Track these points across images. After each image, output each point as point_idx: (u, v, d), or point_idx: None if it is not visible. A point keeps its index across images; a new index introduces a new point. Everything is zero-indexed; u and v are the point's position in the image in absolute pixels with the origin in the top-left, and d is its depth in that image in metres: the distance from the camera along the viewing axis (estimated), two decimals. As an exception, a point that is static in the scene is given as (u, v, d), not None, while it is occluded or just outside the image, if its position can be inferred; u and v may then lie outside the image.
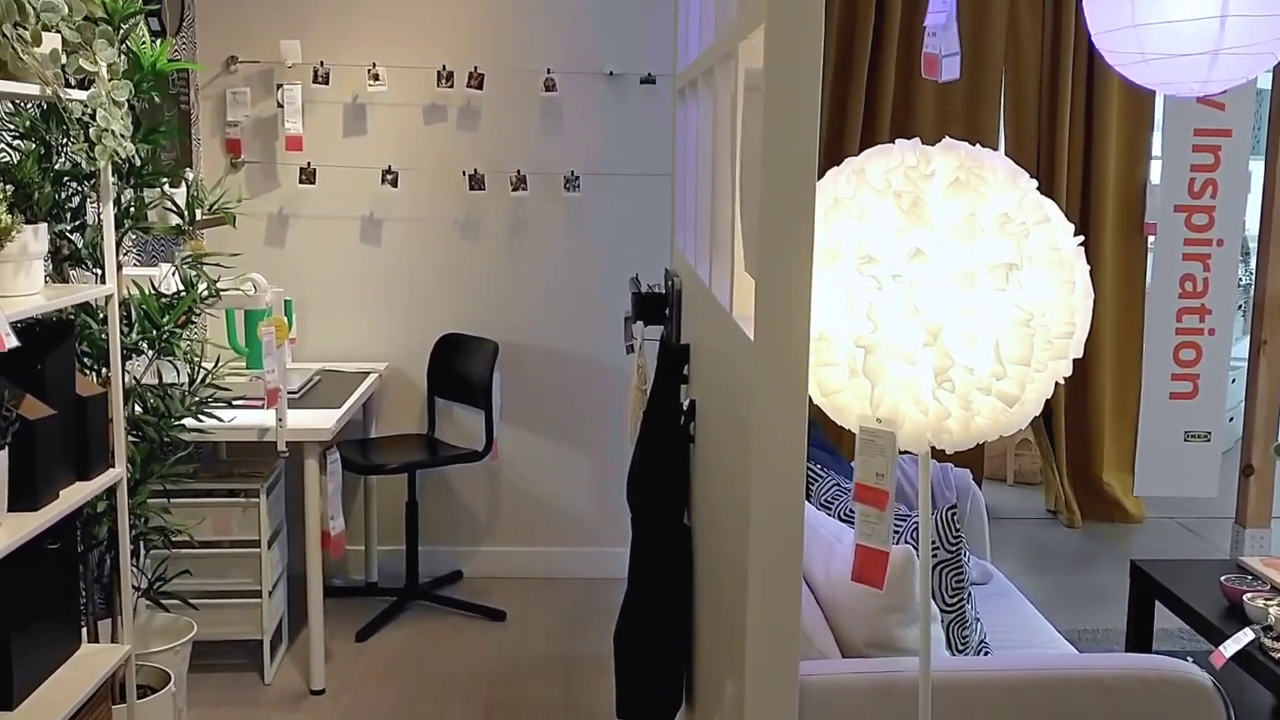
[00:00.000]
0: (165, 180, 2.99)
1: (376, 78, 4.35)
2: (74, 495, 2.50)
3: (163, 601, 3.22)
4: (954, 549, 2.57)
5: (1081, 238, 1.84)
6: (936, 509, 2.75)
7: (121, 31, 2.68)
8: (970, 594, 2.64)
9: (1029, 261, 1.72)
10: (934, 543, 2.59)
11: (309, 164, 4.40)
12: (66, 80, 2.49)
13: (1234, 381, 5.63)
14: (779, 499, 1.84)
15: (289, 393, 3.73)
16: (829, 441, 3.37)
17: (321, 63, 4.36)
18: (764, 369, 1.78)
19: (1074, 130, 5.27)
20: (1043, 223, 1.75)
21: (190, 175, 3.53)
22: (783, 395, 1.78)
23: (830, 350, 1.81)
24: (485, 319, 4.56)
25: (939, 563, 2.59)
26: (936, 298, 1.71)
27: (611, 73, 4.45)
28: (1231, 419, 6.16)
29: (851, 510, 2.87)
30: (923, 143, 1.85)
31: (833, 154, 4.94)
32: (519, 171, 4.45)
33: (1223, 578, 3.17)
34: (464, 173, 4.47)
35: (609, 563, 4.61)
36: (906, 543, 2.57)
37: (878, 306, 1.73)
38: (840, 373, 1.81)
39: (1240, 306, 6.17)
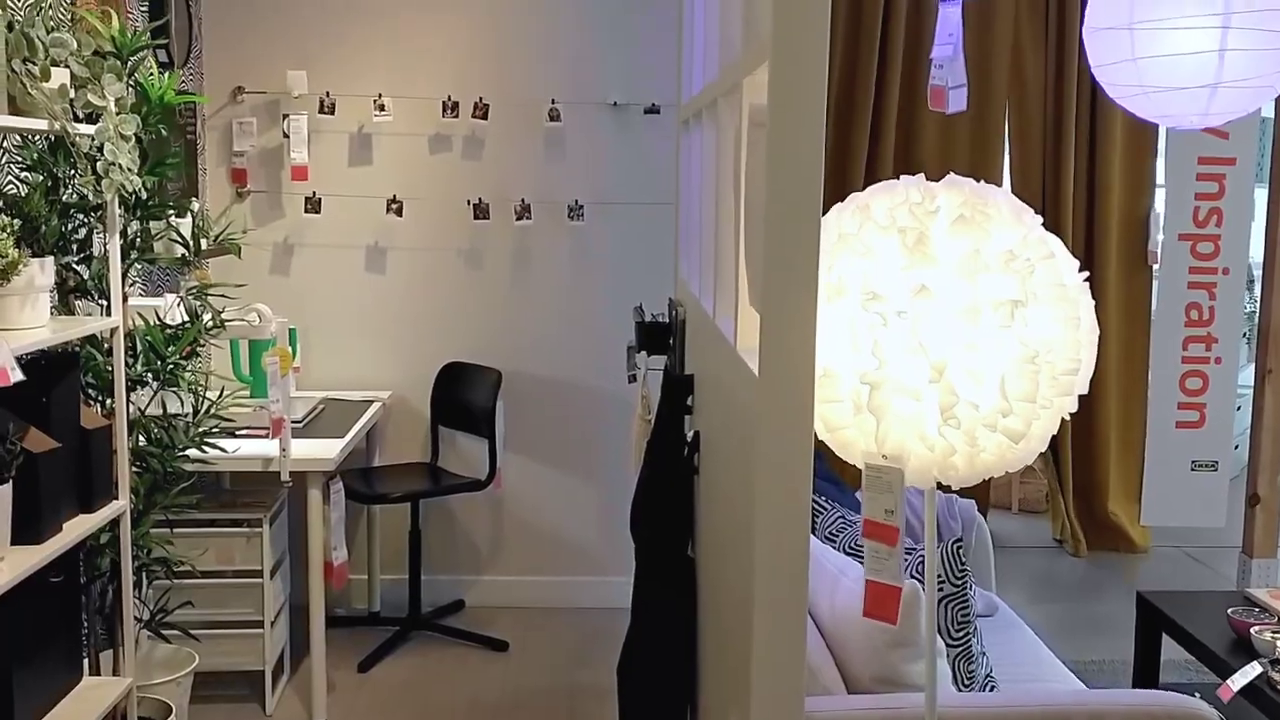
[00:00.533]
0: (171, 211, 3.00)
1: (382, 108, 4.37)
2: (77, 528, 2.50)
3: (164, 632, 3.22)
4: (959, 583, 2.56)
5: (1086, 273, 1.84)
6: (942, 542, 2.74)
7: (130, 65, 2.69)
8: (976, 627, 2.62)
9: (1034, 298, 1.72)
10: (939, 576, 2.58)
11: (314, 193, 4.42)
12: (74, 114, 2.50)
13: (1239, 408, 5.61)
14: (784, 535, 1.83)
15: (293, 422, 3.73)
16: (832, 472, 3.37)
17: (327, 93, 4.38)
18: (769, 405, 1.78)
19: (1078, 159, 5.28)
20: (1047, 259, 1.75)
21: (196, 206, 3.55)
22: (788, 431, 1.78)
23: (835, 386, 1.81)
24: (489, 348, 4.56)
25: (944, 597, 2.57)
26: (941, 334, 1.71)
27: (616, 103, 4.47)
28: (1238, 446, 6.14)
29: (857, 544, 2.86)
30: (927, 178, 1.86)
31: (837, 187, 4.94)
32: (523, 200, 4.47)
33: (1230, 610, 3.15)
34: (469, 202, 4.48)
35: (612, 592, 4.60)
36: (912, 577, 2.56)
37: (882, 343, 1.73)
38: (845, 409, 1.81)
39: (1246, 334, 6.16)
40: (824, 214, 1.78)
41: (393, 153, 4.47)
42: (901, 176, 1.87)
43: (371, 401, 4.33)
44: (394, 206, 4.44)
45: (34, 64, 2.31)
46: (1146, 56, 2.49)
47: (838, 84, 5.03)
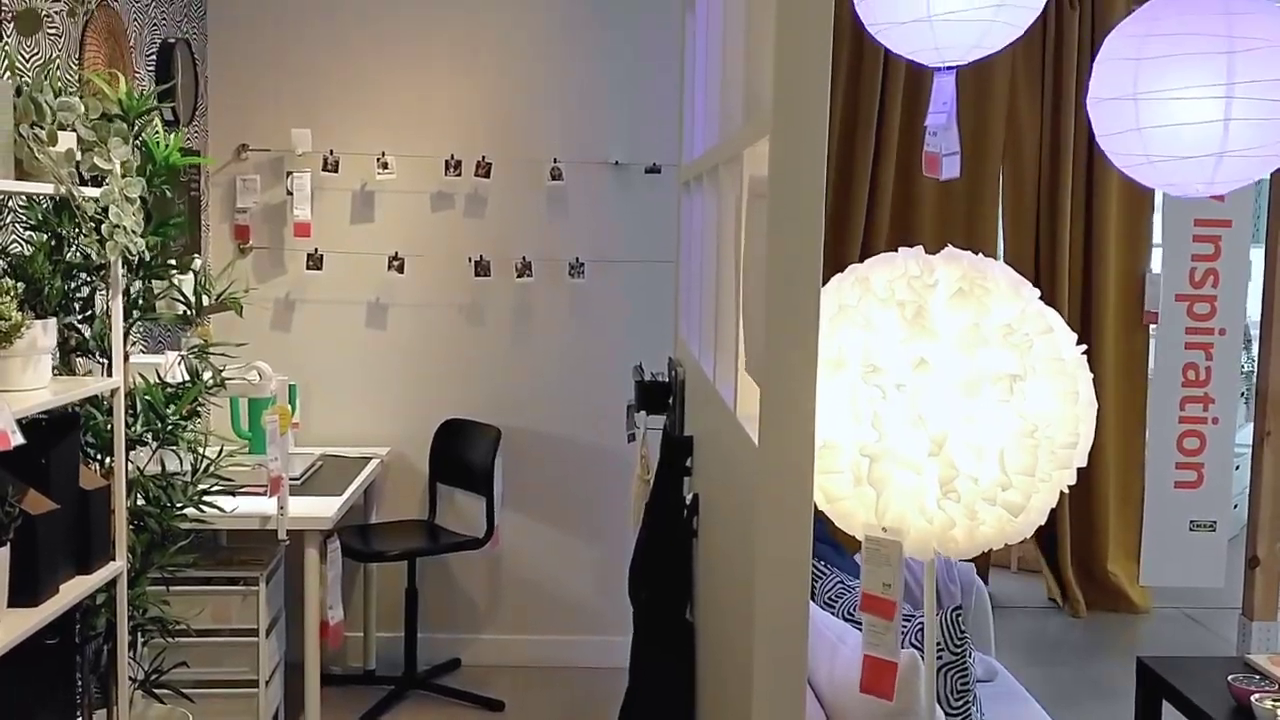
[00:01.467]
0: (174, 270, 3.01)
1: (385, 166, 4.40)
2: (74, 590, 2.49)
3: (159, 692, 3.19)
4: (959, 651, 2.55)
5: (1084, 347, 1.85)
6: (941, 609, 2.73)
7: (136, 127, 2.72)
8: (976, 695, 2.61)
9: (1032, 372, 1.73)
10: (939, 644, 2.57)
11: (316, 250, 4.44)
12: (80, 176, 2.52)
13: (1238, 468, 5.61)
14: (783, 604, 1.83)
15: (291, 479, 3.72)
16: (832, 536, 3.36)
17: (331, 151, 4.41)
18: (768, 475, 1.78)
19: (1074, 220, 5.31)
20: (1046, 333, 1.77)
21: (198, 264, 3.57)
22: (787, 502, 1.78)
23: (835, 458, 1.81)
24: (488, 404, 4.56)
25: (944, 665, 2.56)
26: (941, 408, 1.72)
27: (617, 162, 4.51)
28: (1236, 506, 6.13)
29: (855, 610, 2.85)
30: (924, 240, 1.88)
31: (835, 253, 4.95)
32: (524, 258, 4.49)
33: (1230, 677, 3.13)
34: (470, 259, 4.50)
35: (610, 652, 4.56)
36: (911, 644, 2.55)
37: (882, 415, 1.74)
38: (845, 480, 1.81)
39: (1244, 394, 6.16)
40: (824, 284, 1.80)
41: (395, 210, 4.50)
42: (900, 249, 1.89)
43: (370, 458, 4.33)
44: (395, 263, 4.46)
45: (41, 128, 2.34)
46: (1151, 126, 2.51)
47: (836, 151, 5.06)
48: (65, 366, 2.84)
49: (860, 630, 2.52)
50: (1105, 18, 5.05)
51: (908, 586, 3.28)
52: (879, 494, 1.75)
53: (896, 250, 1.91)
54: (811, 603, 2.93)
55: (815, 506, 1.81)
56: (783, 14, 1.71)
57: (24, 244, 2.87)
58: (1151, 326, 5.32)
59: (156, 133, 2.91)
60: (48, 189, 2.36)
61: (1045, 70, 5.23)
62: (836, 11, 1.69)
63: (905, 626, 2.61)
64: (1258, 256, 4.84)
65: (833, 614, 2.84)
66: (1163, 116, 2.49)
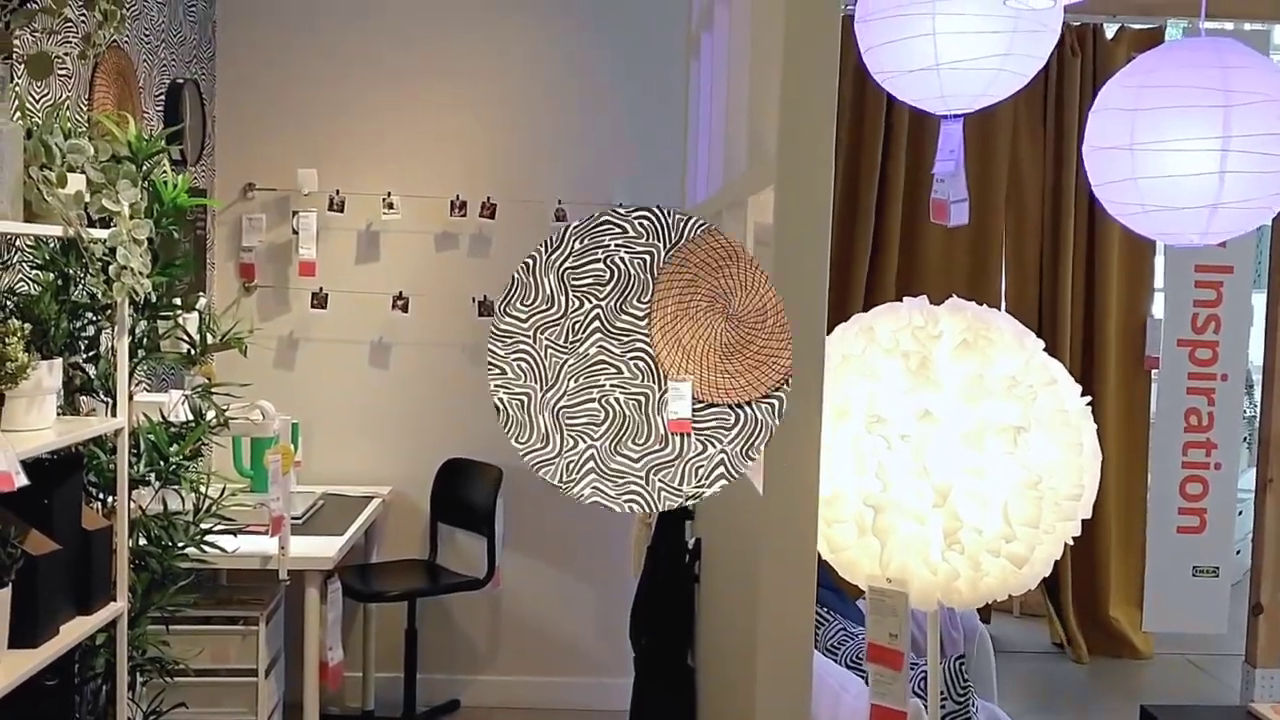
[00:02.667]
0: (179, 310, 3.02)
1: (391, 206, 4.42)
2: (74, 631, 2.48)
3: (157, 734, 3.17)
4: (962, 700, 2.54)
5: (1089, 398, 1.85)
6: (945, 657, 2.71)
7: (145, 168, 2.73)
8: (979, 745, 2.59)
9: (1036, 424, 1.73)
10: (942, 693, 2.56)
11: (321, 289, 4.46)
12: (88, 218, 2.53)
13: (1241, 513, 5.60)
14: (787, 653, 1.82)
15: (292, 518, 3.71)
16: (834, 583, 3.34)
17: (337, 191, 4.44)
18: (773, 524, 1.79)
19: (1076, 265, 5.32)
20: (1049, 385, 1.77)
21: (203, 302, 3.58)
22: (791, 552, 1.78)
23: (839, 508, 1.81)
24: (490, 444, 4.55)
25: (947, 714, 2.55)
26: (945, 459, 1.72)
27: (620, 204, 4.52)
28: (1239, 551, 6.11)
29: (858, 657, 2.83)
30: (928, 294, 1.88)
31: (840, 297, 4.95)
32: (528, 298, 4.49)
33: (1235, 727, 3.12)
34: (473, 299, 4.51)
35: (611, 695, 4.53)
36: (915, 693, 2.54)
37: (887, 466, 1.74)
38: (849, 531, 1.81)
39: (1246, 439, 6.15)
40: (828, 333, 1.81)
41: (400, 250, 4.51)
42: (905, 298, 1.89)
43: (372, 497, 4.32)
44: (399, 303, 4.47)
45: (51, 170, 2.35)
46: (1147, 177, 2.52)
47: (839, 197, 5.07)
48: (69, 406, 2.84)
49: (863, 678, 2.51)
50: (1107, 65, 5.09)
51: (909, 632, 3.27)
52: (883, 544, 1.75)
53: (901, 299, 1.92)
54: (814, 650, 2.92)
55: (819, 556, 1.81)
56: (789, 67, 1.73)
57: (31, 283, 2.88)
58: (1153, 372, 5.32)
59: (164, 173, 2.93)
60: (56, 231, 2.37)
61: (1047, 117, 5.26)
62: (840, 59, 1.71)
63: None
64: (1259, 302, 4.85)
65: (835, 661, 2.82)
66: (1158, 167, 2.50)
